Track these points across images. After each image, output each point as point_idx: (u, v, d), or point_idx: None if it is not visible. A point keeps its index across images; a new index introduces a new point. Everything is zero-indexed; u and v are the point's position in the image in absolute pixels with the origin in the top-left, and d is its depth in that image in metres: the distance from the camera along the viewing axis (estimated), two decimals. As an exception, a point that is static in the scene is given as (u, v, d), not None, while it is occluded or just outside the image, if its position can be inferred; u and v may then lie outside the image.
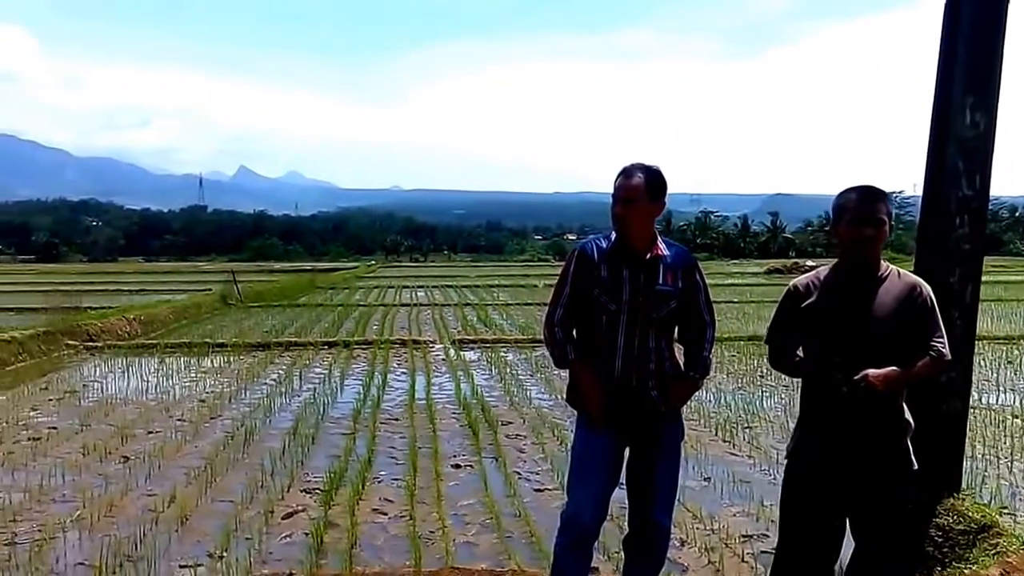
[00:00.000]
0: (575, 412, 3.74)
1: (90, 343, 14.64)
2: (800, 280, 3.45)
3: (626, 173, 3.49)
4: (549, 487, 6.26)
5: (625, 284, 3.51)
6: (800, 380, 3.50)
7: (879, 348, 3.19)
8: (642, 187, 3.47)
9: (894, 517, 3.31)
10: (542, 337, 3.81)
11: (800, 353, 3.46)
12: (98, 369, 12.42)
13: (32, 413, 9.13)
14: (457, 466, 6.86)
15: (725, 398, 9.63)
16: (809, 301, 3.35)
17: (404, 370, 12.05)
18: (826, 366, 3.28)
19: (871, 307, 3.22)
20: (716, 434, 7.92)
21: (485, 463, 6.92)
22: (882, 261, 3.31)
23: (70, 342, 14.34)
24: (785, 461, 3.52)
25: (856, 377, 3.14)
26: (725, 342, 14.01)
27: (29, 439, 7.89)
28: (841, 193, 3.29)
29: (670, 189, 3.56)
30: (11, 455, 7.28)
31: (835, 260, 3.40)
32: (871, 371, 3.14)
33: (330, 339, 15.40)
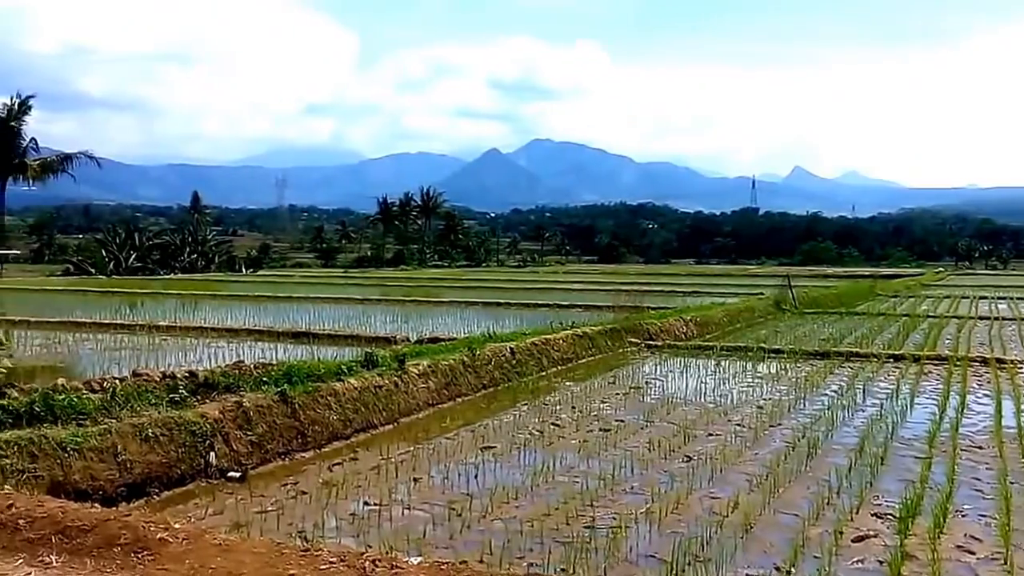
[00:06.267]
0: None
1: (650, 342, 15.82)
2: None
3: None
4: None
5: None
6: None
7: None
8: None
9: None
10: None
11: None
12: (658, 368, 13.39)
13: (601, 405, 10.13)
14: (1064, 511, 6.07)
15: None
16: None
17: (986, 392, 11.05)
18: None
19: None
20: None
21: (1102, 512, 6.01)
22: None
23: (632, 340, 15.64)
24: None
25: None
26: None
27: (600, 430, 8.76)
28: None
29: None
30: (585, 443, 8.15)
31: None
32: None
33: (895, 352, 14.76)
